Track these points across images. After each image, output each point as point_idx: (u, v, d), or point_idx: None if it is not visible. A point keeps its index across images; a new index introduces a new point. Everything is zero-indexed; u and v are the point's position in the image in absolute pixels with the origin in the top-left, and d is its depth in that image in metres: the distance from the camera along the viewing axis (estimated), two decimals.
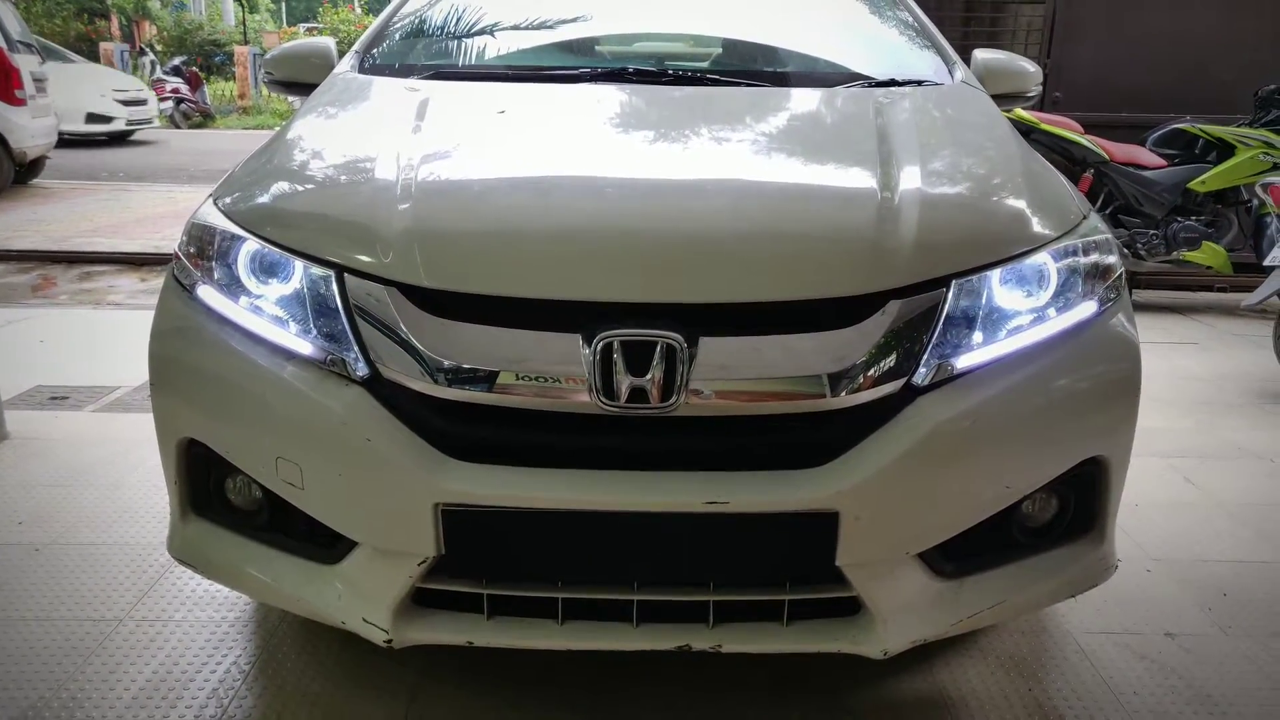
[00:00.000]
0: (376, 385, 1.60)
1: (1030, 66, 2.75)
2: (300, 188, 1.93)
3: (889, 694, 2.00)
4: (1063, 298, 1.72)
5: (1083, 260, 1.76)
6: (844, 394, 1.54)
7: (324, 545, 1.72)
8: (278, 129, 2.27)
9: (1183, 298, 5.60)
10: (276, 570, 1.78)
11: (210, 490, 1.85)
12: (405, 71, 2.51)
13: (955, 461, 1.58)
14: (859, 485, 1.53)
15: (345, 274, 1.65)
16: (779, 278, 1.58)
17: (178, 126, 19.32)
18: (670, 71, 2.41)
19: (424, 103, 2.16)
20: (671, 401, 1.51)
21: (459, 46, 2.67)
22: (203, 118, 20.31)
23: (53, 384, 3.82)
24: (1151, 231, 5.41)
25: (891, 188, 1.75)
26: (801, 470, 1.55)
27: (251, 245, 1.77)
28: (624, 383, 1.51)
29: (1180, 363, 4.49)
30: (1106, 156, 5.39)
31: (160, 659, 2.08)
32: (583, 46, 2.72)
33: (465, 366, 1.56)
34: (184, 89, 19.99)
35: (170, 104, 19.52)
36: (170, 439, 1.82)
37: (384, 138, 1.98)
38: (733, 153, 1.97)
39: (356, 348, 1.61)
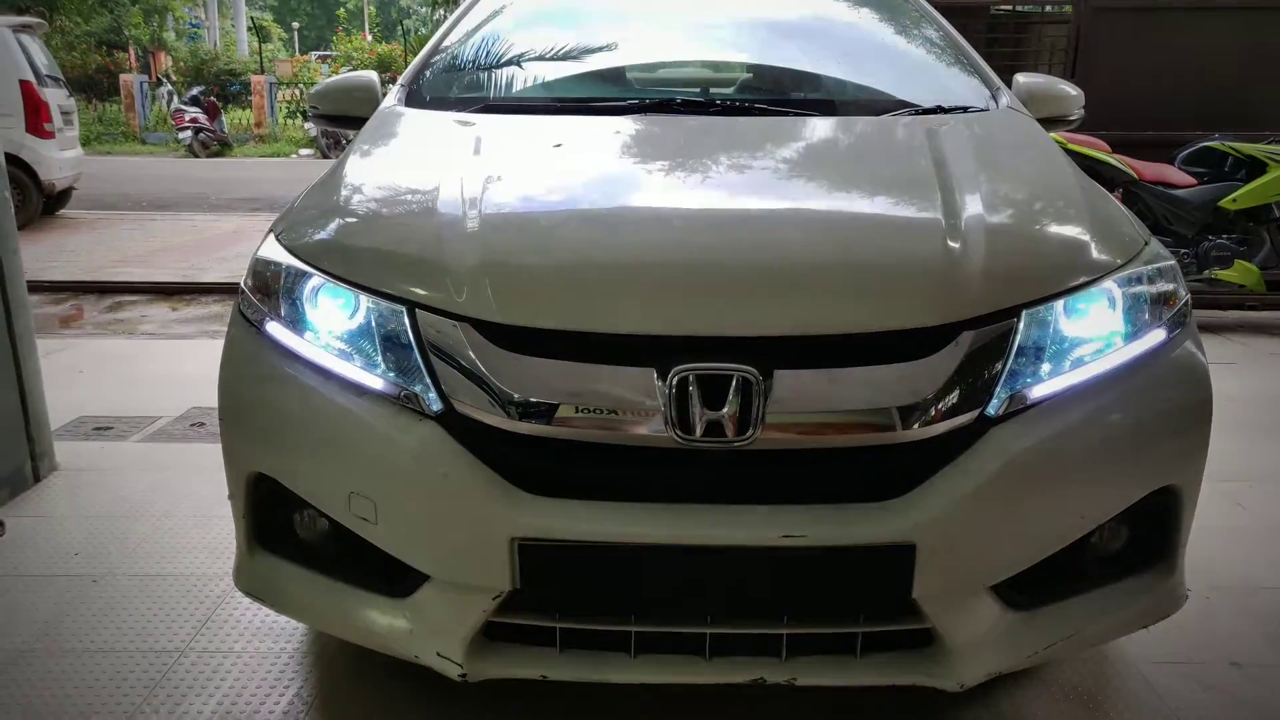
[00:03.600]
0: (450, 420, 1.61)
1: (1072, 90, 2.76)
2: (364, 223, 1.95)
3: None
4: (1131, 326, 1.72)
5: (1149, 288, 1.77)
6: (918, 426, 1.55)
7: (394, 579, 1.72)
8: (333, 163, 2.29)
9: (1215, 316, 5.57)
10: (346, 604, 1.78)
11: (279, 524, 1.86)
12: (453, 105, 2.53)
13: (1031, 492, 1.58)
14: (936, 518, 1.53)
15: (417, 309, 1.67)
16: (854, 310, 1.59)
17: (196, 155, 19.52)
18: (719, 101, 2.43)
19: (478, 137, 2.19)
20: (748, 435, 1.52)
21: (504, 79, 2.70)
22: (220, 146, 20.50)
23: (95, 414, 3.86)
24: (1183, 250, 5.39)
25: (957, 217, 1.76)
26: (877, 503, 1.55)
27: (318, 280, 1.79)
28: (700, 417, 1.52)
29: (1218, 384, 4.43)
30: (1135, 175, 5.38)
31: (224, 691, 2.09)
32: (628, 77, 2.74)
33: (539, 401, 1.57)
34: (202, 118, 20.20)
35: (189, 133, 19.75)
36: (240, 474, 1.84)
37: (443, 172, 2.00)
38: (794, 183, 1.98)
39: (430, 383, 1.63)
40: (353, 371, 1.69)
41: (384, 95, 2.79)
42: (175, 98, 22.83)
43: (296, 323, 1.79)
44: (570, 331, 1.59)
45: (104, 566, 2.62)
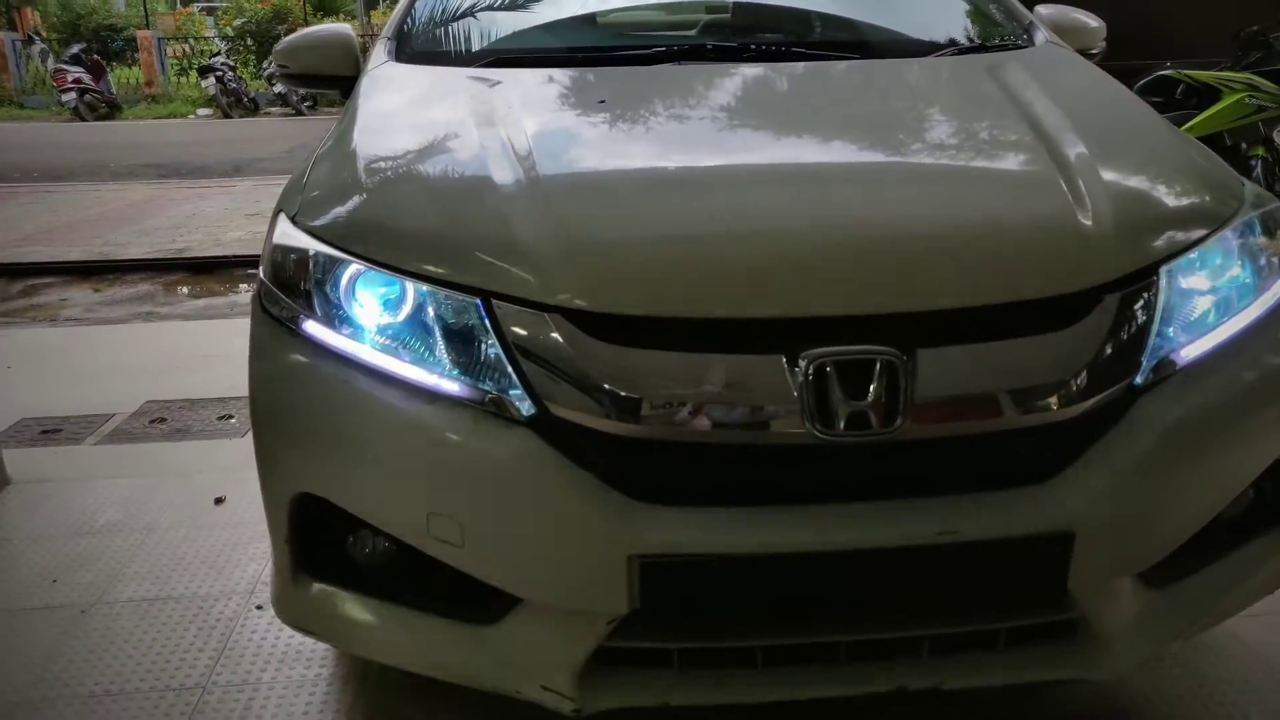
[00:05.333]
0: (546, 425, 1.41)
1: (1093, 21, 2.63)
2: (404, 199, 1.70)
3: (1062, 697, 1.90)
4: (1256, 277, 1.61)
5: (1265, 235, 1.66)
6: (1071, 400, 1.41)
7: (477, 604, 1.52)
8: (335, 131, 2.02)
9: None
10: (418, 634, 1.59)
11: (329, 548, 1.64)
12: (456, 60, 2.29)
13: (1185, 465, 1.47)
14: (1095, 502, 1.40)
15: (493, 300, 1.45)
16: (998, 278, 1.44)
17: (83, 119, 18.29)
18: (754, 46, 2.23)
19: (504, 95, 1.95)
20: (896, 425, 1.36)
21: (508, 28, 2.45)
22: (109, 108, 19.27)
23: (39, 416, 3.49)
24: None
25: (1071, 170, 1.62)
26: (1030, 488, 1.41)
27: (358, 268, 1.56)
28: (842, 407, 1.35)
29: None
30: None
31: None
32: (643, 20, 2.52)
33: (653, 399, 1.38)
34: (86, 79, 18.92)
35: (73, 95, 18.46)
36: (281, 495, 1.61)
37: (480, 136, 1.77)
38: (884, 137, 1.81)
39: (520, 384, 1.42)
40: (421, 375, 1.47)
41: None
42: (50, 57, 21.29)
43: (340, 321, 1.56)
44: (683, 319, 1.40)
45: (90, 593, 2.35)
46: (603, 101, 1.93)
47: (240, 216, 7.81)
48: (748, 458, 1.40)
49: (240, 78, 19.73)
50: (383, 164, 1.80)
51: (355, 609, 1.63)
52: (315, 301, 1.58)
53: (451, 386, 1.46)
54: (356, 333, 1.54)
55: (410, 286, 1.51)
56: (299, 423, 1.58)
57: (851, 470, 1.41)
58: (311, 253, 1.62)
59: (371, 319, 1.54)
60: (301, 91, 18.73)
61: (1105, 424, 1.44)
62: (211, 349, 4.22)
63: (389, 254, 1.55)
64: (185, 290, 5.86)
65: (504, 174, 1.62)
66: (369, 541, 1.62)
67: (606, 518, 1.38)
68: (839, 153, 1.73)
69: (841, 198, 1.57)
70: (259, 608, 2.25)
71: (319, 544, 1.64)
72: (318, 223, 1.66)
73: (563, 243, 1.46)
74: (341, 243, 1.60)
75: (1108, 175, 1.62)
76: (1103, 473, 1.41)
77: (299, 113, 18.60)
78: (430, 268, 1.51)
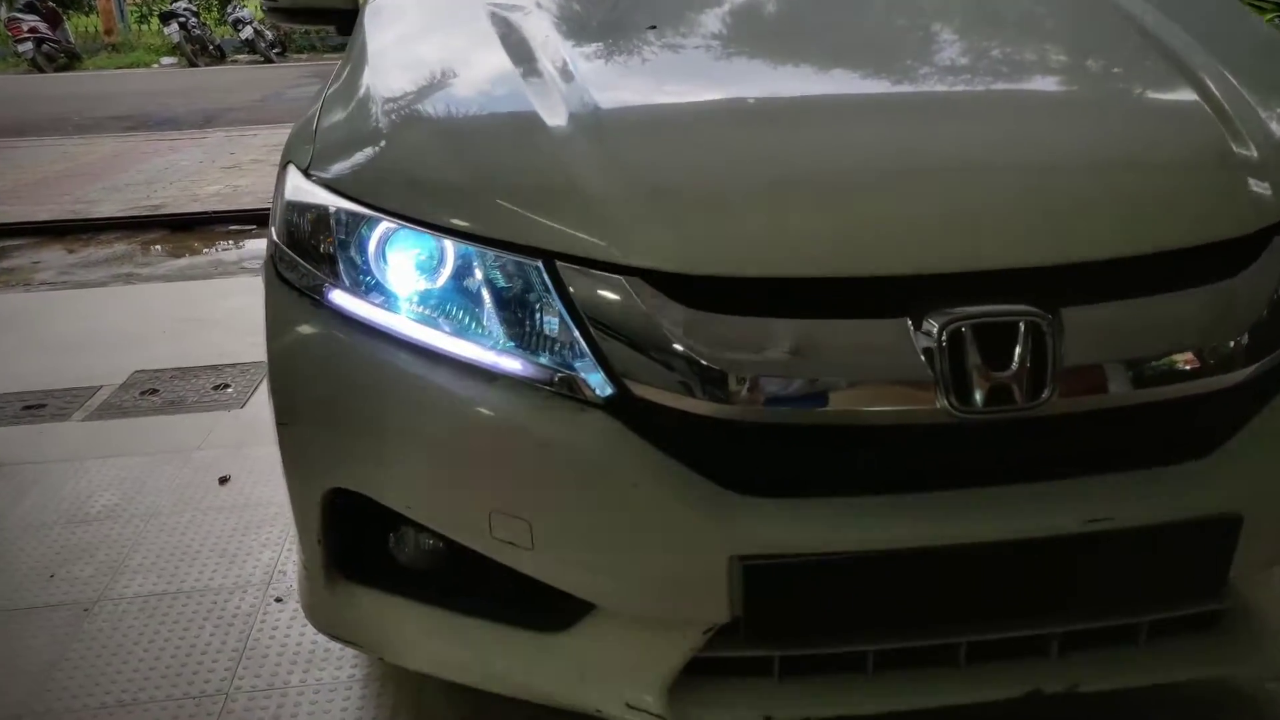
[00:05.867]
0: (625, 407, 1.21)
1: None
2: (438, 144, 1.45)
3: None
4: None
5: None
6: (1237, 361, 1.22)
7: (541, 608, 1.34)
8: (342, 71, 1.78)
9: None
10: (473, 642, 1.40)
11: (367, 548, 1.44)
12: None
13: None
14: (1267, 477, 1.22)
15: (557, 261, 1.24)
16: (1153, 222, 1.23)
17: (41, 70, 17.61)
18: None
19: (538, 23, 1.71)
20: (1043, 398, 1.16)
21: None
22: (68, 59, 18.55)
23: (19, 390, 3.25)
24: None
25: (1211, 93, 1.41)
26: (1189, 464, 1.23)
27: (389, 227, 1.34)
28: (981, 378, 1.15)
29: None
30: None
31: None
32: None
33: (754, 375, 1.17)
34: (43, 27, 18.14)
35: (30, 45, 17.72)
36: (312, 490, 1.41)
37: (517, 70, 1.53)
38: (994, 61, 1.58)
39: (594, 360, 1.21)
40: (475, 352, 1.26)
41: None
42: (5, 5, 20.44)
43: (372, 289, 1.34)
44: (791, 279, 1.19)
45: (92, 589, 2.14)
46: (653, 27, 1.69)
47: (216, 170, 7.47)
48: (867, 440, 1.21)
49: (205, 24, 19.04)
50: (407, 104, 1.56)
51: (399, 614, 1.44)
52: (341, 267, 1.37)
53: (512, 364, 1.25)
54: (391, 302, 1.32)
55: (453, 247, 1.30)
56: (329, 409, 1.37)
57: (987, 451, 1.22)
58: (332, 210, 1.39)
59: (409, 286, 1.32)
60: (270, 37, 18.14)
61: (1271, 387, 1.25)
62: (198, 312, 3.98)
63: (427, 209, 1.33)
64: (164, 249, 5.57)
65: (556, 112, 1.39)
66: (414, 539, 1.42)
67: (702, 514, 1.18)
68: (951, 79, 1.51)
69: (966, 133, 1.36)
70: (279, 600, 2.07)
71: (356, 543, 1.44)
72: (336, 174, 1.43)
73: (641, 191, 1.25)
74: (368, 197, 1.37)
75: (1254, 97, 1.41)
76: (1273, 444, 1.23)
77: (268, 60, 18.00)
78: (479, 225, 1.29)
